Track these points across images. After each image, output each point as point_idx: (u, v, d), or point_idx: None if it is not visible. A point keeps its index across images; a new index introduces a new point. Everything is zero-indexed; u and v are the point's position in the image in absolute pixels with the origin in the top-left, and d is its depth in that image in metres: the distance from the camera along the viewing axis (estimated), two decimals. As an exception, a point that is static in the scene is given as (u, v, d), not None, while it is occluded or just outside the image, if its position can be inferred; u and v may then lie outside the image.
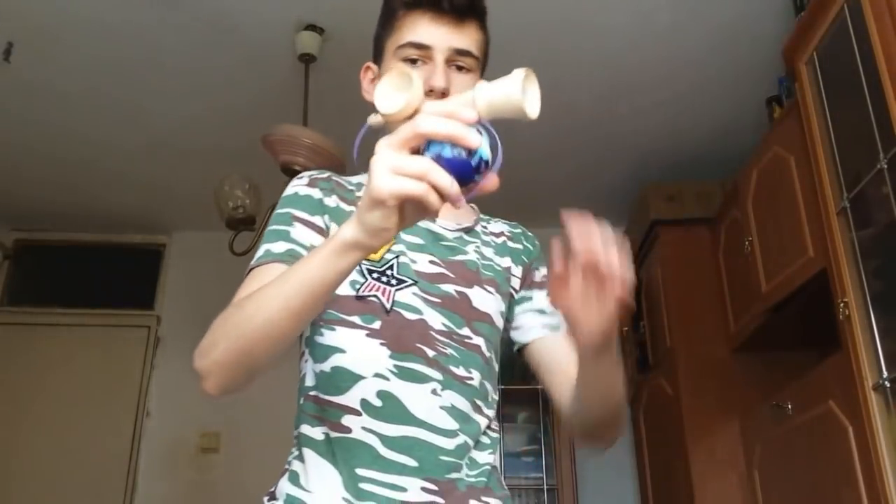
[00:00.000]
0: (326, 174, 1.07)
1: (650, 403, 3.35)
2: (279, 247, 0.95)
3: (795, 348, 2.74)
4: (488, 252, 1.09)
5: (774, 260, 2.45)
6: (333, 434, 0.93)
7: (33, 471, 3.67)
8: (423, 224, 1.02)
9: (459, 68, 1.03)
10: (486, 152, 0.69)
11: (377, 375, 0.93)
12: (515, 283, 1.11)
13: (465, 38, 1.03)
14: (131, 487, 3.67)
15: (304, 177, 1.06)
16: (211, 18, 2.56)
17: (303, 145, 2.30)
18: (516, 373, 3.73)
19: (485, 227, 1.14)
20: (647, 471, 3.37)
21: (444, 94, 0.98)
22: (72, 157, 3.41)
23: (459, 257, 1.04)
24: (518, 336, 1.11)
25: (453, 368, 0.96)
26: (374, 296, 0.96)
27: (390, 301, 0.96)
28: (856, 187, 1.89)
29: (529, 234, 1.19)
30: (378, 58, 1.08)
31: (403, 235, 1.01)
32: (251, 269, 0.95)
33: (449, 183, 0.67)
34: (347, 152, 2.41)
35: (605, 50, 2.73)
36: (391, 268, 0.98)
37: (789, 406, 2.35)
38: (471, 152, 0.68)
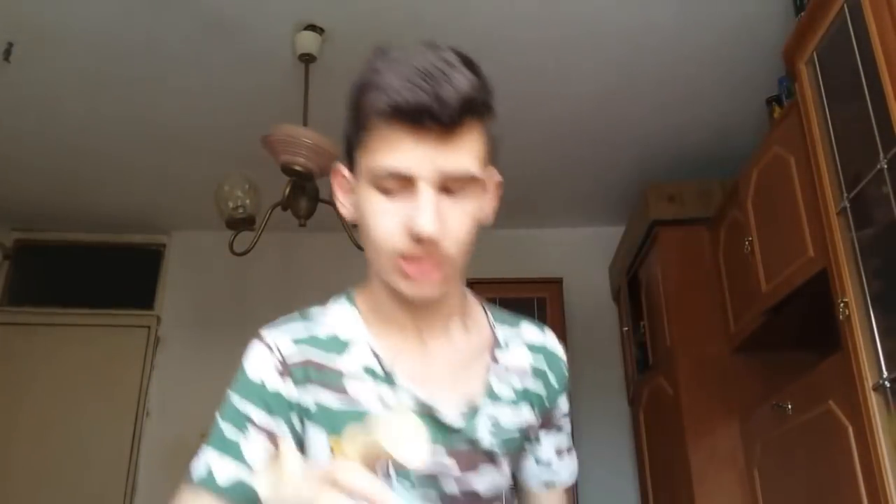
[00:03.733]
0: (298, 349, 0.87)
1: (650, 403, 3.35)
2: (225, 472, 0.82)
3: (795, 348, 2.73)
4: (505, 415, 0.92)
5: (774, 260, 2.45)
6: None
7: (33, 471, 3.67)
8: (424, 411, 0.86)
9: (451, 192, 0.81)
10: None
11: None
12: (534, 432, 0.99)
13: (457, 156, 0.79)
14: (131, 487, 3.67)
15: (275, 352, 0.86)
16: (211, 18, 2.56)
17: (303, 145, 2.30)
18: (516, 373, 3.74)
19: (501, 362, 0.94)
20: (648, 471, 3.37)
21: (432, 244, 0.79)
22: (72, 158, 3.41)
23: (466, 446, 0.88)
24: (515, 470, 1.00)
25: None
26: None
27: None
28: (856, 187, 1.89)
29: (556, 357, 1.00)
30: (350, 164, 0.88)
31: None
32: (191, 481, 0.84)
33: None
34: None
35: (605, 50, 2.73)
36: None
37: (789, 406, 2.35)
38: None
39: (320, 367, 0.87)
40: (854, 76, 1.84)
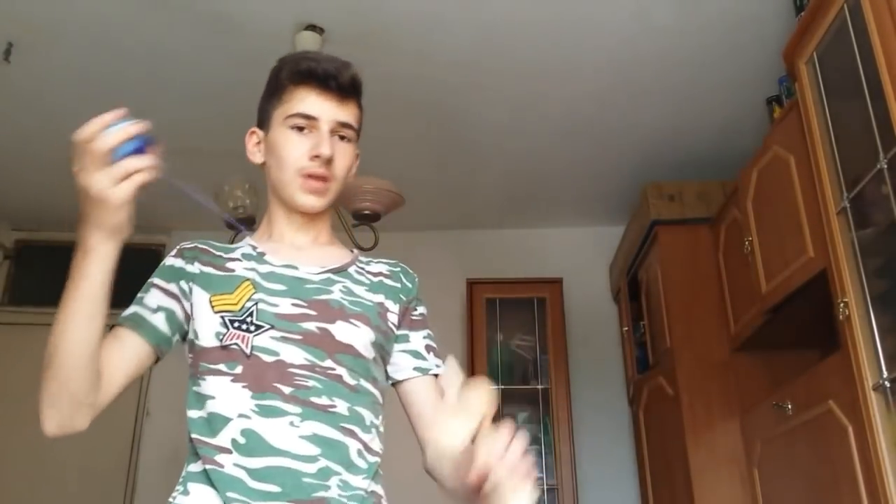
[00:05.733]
0: (193, 244, 1.20)
1: (650, 403, 3.35)
2: (128, 311, 1.14)
3: (795, 348, 2.74)
4: (359, 290, 1.18)
5: (774, 260, 2.45)
6: (209, 467, 1.02)
7: (33, 471, 3.67)
8: (288, 272, 1.15)
9: (342, 138, 1.19)
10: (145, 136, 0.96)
11: (241, 416, 1.03)
12: (393, 318, 1.19)
13: (347, 112, 1.19)
14: (131, 487, 3.67)
15: (175, 248, 1.21)
16: (211, 18, 2.56)
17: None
18: (516, 373, 3.74)
19: (361, 269, 1.23)
20: (648, 471, 3.37)
21: (329, 161, 1.15)
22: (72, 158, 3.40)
23: (323, 297, 1.13)
24: (391, 372, 1.20)
25: (314, 399, 1.05)
26: (235, 344, 1.07)
27: (249, 346, 1.06)
28: (856, 187, 1.89)
29: (410, 273, 1.27)
30: (263, 125, 1.24)
31: (265, 283, 1.12)
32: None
33: (143, 163, 0.97)
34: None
35: (605, 50, 2.73)
36: (250, 315, 1.08)
37: (789, 406, 2.35)
38: (137, 139, 0.97)
39: (207, 252, 1.19)
40: (854, 76, 1.85)
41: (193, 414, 1.08)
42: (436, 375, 1.19)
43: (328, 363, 1.08)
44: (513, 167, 3.56)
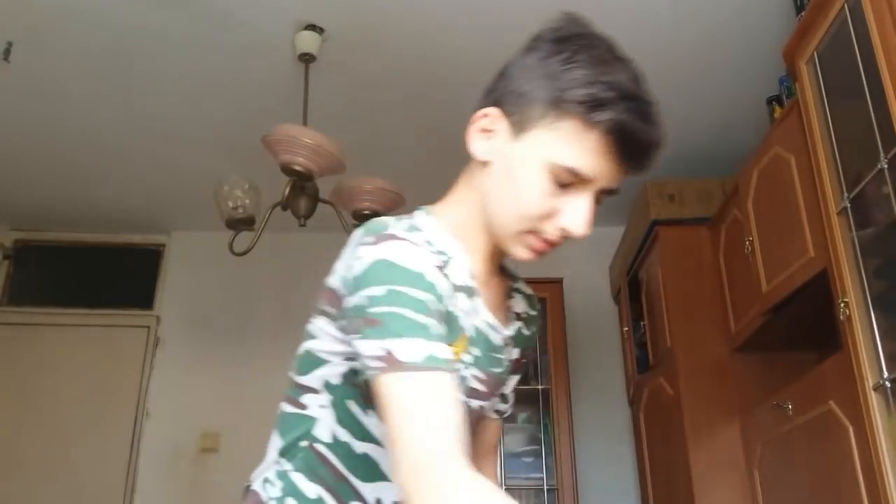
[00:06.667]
0: (437, 246, 0.89)
1: (650, 403, 3.35)
2: (440, 349, 0.76)
3: (796, 348, 2.73)
4: (508, 352, 1.02)
5: (775, 260, 2.45)
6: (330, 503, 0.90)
7: (33, 471, 3.67)
8: (488, 334, 0.94)
9: (597, 202, 0.89)
10: None
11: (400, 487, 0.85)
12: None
13: (621, 179, 0.89)
14: (131, 487, 3.67)
15: (423, 247, 0.83)
16: (211, 18, 2.56)
17: (303, 145, 2.30)
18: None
19: (512, 297, 1.05)
20: (648, 471, 3.36)
21: (570, 239, 0.88)
22: (71, 158, 3.41)
23: (497, 370, 0.98)
24: None
25: None
26: None
27: None
28: (856, 187, 1.89)
29: (536, 314, 1.10)
30: (516, 120, 0.87)
31: (470, 346, 0.91)
32: (413, 370, 0.74)
33: None
34: (347, 152, 2.42)
35: (606, 50, 2.72)
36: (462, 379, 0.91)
37: (789, 406, 2.35)
38: None
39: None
40: (854, 75, 1.84)
41: (334, 426, 0.90)
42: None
43: None
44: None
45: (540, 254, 0.90)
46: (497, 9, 2.53)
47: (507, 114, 0.89)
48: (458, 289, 0.89)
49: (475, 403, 0.96)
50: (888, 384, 1.77)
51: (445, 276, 0.86)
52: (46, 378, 3.82)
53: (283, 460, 0.93)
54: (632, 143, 0.83)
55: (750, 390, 2.80)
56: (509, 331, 1.00)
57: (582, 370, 3.76)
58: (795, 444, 2.33)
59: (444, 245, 0.90)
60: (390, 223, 0.85)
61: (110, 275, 4.13)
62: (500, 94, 0.90)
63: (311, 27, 2.61)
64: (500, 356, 0.98)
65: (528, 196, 0.86)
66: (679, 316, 3.04)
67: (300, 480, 0.90)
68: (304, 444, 0.91)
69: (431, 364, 0.74)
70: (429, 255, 0.84)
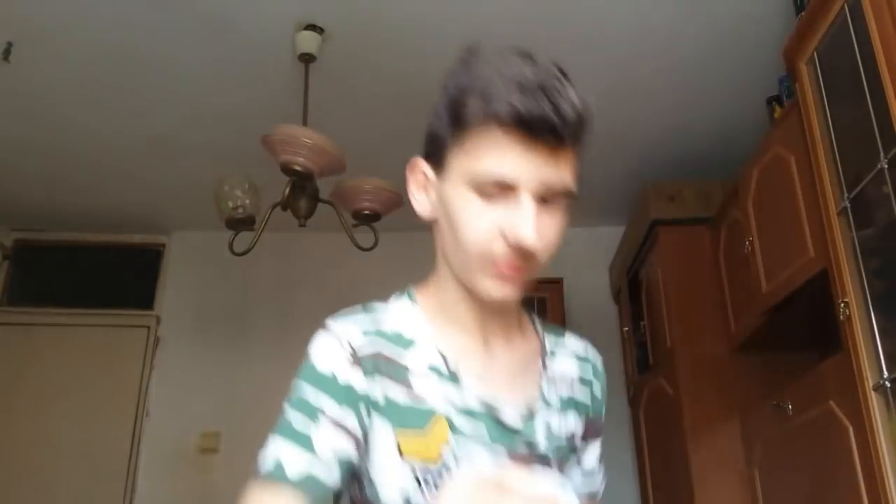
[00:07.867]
0: (372, 348, 0.84)
1: (650, 403, 3.35)
2: (295, 463, 0.77)
3: (796, 348, 2.73)
4: (554, 420, 0.91)
5: (775, 260, 2.45)
6: None
7: (33, 471, 3.66)
8: (487, 411, 0.86)
9: (544, 200, 0.80)
10: None
11: None
12: (578, 439, 0.98)
13: (562, 170, 0.79)
14: (131, 487, 3.67)
15: (345, 344, 0.83)
16: (211, 18, 2.56)
17: (303, 145, 2.30)
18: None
19: (551, 377, 0.94)
20: (648, 471, 3.37)
21: (529, 253, 0.79)
22: (72, 158, 3.40)
23: (526, 448, 0.87)
24: None
25: None
26: None
27: None
28: (856, 187, 1.89)
29: (599, 368, 1.03)
30: (436, 161, 0.86)
31: (461, 421, 0.84)
32: (259, 475, 0.78)
33: None
34: (347, 152, 2.42)
35: (605, 49, 2.72)
36: (448, 470, 0.82)
37: (789, 406, 2.35)
38: None
39: (388, 360, 0.85)
40: (854, 76, 1.84)
41: None
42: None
43: None
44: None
45: (511, 282, 0.82)
46: (497, 8, 2.53)
47: (429, 160, 0.87)
48: (422, 373, 0.85)
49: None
50: (888, 384, 1.77)
51: (401, 365, 0.84)
52: (46, 378, 3.82)
53: None
54: (533, 119, 0.76)
55: (750, 390, 2.80)
56: (522, 407, 0.88)
57: (582, 370, 3.76)
58: (795, 444, 2.33)
59: (408, 330, 0.88)
60: (352, 310, 0.88)
61: (110, 275, 4.13)
62: (423, 145, 0.89)
63: (311, 27, 2.61)
64: (523, 432, 0.87)
65: (465, 222, 0.81)
66: (679, 316, 3.05)
67: None
68: None
69: (269, 475, 0.77)
70: (341, 350, 0.83)
